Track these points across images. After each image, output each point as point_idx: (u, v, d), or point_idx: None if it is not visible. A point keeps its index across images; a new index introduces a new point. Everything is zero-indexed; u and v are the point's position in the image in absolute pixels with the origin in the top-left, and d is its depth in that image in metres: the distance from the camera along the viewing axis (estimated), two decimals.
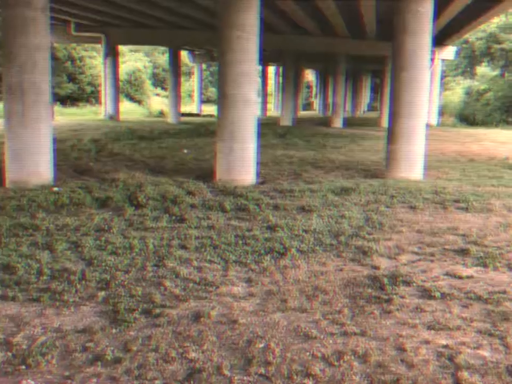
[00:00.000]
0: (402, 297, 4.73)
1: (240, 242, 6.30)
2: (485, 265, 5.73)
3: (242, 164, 10.76)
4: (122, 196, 8.64)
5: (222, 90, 10.83)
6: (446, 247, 6.44)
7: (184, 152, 15.16)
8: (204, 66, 57.05)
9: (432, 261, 5.87)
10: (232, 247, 6.07)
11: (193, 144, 17.08)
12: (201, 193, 9.18)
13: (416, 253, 6.16)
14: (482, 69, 42.97)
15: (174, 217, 7.54)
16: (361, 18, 23.69)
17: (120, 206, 8.10)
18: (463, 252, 6.21)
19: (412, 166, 11.80)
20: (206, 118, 32.42)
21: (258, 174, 11.35)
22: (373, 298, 4.69)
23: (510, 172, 12.97)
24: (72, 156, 13.44)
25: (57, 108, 29.38)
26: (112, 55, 26.33)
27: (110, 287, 4.77)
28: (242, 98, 10.62)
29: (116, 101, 26.93)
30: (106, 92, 26.48)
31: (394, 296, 4.73)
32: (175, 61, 27.69)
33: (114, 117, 26.57)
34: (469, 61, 46.35)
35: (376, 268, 5.55)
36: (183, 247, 6.11)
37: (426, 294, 4.85)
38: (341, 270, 5.48)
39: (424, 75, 11.83)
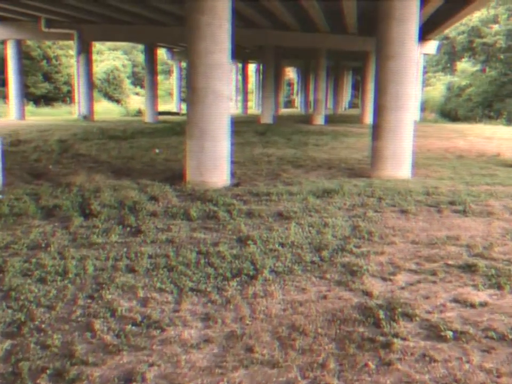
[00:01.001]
0: (404, 339, 3.57)
1: (202, 261, 5.09)
2: (500, 287, 4.59)
3: (215, 164, 9.55)
4: (72, 204, 7.40)
5: (191, 83, 9.61)
6: (449, 262, 5.29)
7: (156, 152, 13.91)
8: (183, 64, 55.74)
9: (434, 282, 4.72)
10: (191, 269, 4.87)
11: (167, 143, 15.82)
12: (166, 199, 7.97)
13: (415, 271, 5.00)
14: (463, 65, 42.11)
15: (128, 229, 6.32)
16: (342, 13, 22.58)
17: (68, 216, 6.86)
18: (470, 269, 5.07)
19: (399, 164, 10.69)
20: (185, 116, 31.20)
21: (233, 175, 10.18)
22: (366, 342, 3.51)
23: (503, 169, 11.92)
24: (32, 158, 12.13)
25: (30, 107, 27.92)
26: (85, 52, 24.92)
27: (21, 333, 3.55)
28: (213, 92, 9.41)
29: (90, 100, 25.53)
30: (79, 91, 25.06)
31: (394, 338, 3.55)
32: (151, 59, 26.35)
33: (88, 116, 25.18)
34: (449, 57, 45.53)
35: (368, 294, 4.38)
36: (131, 269, 4.89)
37: (434, 332, 3.69)
38: (325, 297, 4.31)
39: (412, 65, 10.70)
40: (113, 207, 7.33)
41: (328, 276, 4.78)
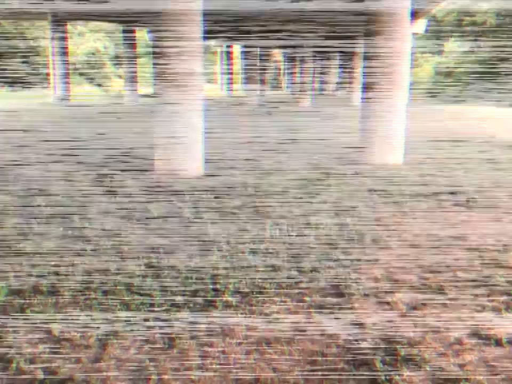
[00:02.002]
0: None
1: (149, 280, 3.97)
2: None
3: (187, 151, 8.43)
4: None
5: (159, 62, 8.43)
6: (458, 274, 4.22)
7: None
8: None
9: (444, 304, 3.64)
10: (136, 289, 3.76)
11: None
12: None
13: (417, 288, 3.93)
14: (451, 45, 40.94)
15: (70, 233, 5.19)
16: None
17: None
18: (486, 284, 4.01)
19: (391, 148, 9.61)
20: None
21: (207, 162, 9.05)
22: None
23: (501, 152, 10.87)
24: None
25: (5, 91, 26.49)
26: (60, 33, 23.46)
27: None
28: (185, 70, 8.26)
29: (66, 83, 24.12)
30: (55, 74, 23.64)
31: None
32: (130, 40, 24.94)
33: (65, 100, 23.78)
34: (437, 37, 44.32)
35: (360, 325, 3.30)
36: None
37: None
38: (303, 332, 3.22)
39: (405, 40, 9.57)
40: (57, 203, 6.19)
41: (307, 298, 3.68)
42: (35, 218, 5.62)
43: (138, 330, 3.18)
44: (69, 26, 43.04)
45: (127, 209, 6.05)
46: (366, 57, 9.71)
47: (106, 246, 4.75)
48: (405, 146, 9.71)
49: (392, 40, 9.38)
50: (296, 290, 3.79)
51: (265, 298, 3.65)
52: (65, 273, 4.09)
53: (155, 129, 8.54)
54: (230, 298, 3.60)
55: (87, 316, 3.34)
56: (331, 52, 47.18)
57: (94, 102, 27.78)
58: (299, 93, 27.67)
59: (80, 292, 3.76)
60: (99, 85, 37.71)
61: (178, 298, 3.58)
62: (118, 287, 3.79)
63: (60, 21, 23.28)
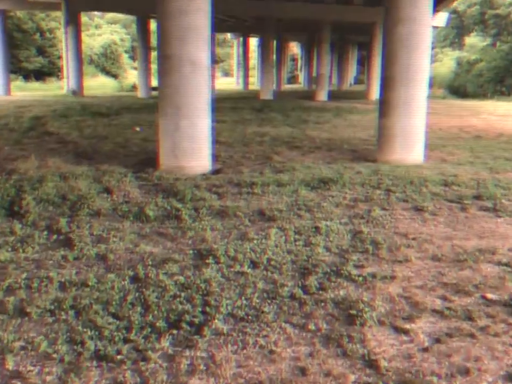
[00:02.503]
0: None
1: (131, 297, 3.45)
2: None
3: (192, 146, 7.88)
4: (1, 198, 5.76)
5: (162, 50, 7.90)
6: (488, 295, 3.64)
7: (136, 130, 12.24)
8: None
9: (472, 336, 3.07)
10: (109, 313, 3.23)
11: (151, 120, 14.09)
12: (122, 191, 6.32)
13: (441, 314, 3.35)
14: (472, 39, 39.90)
15: (55, 237, 4.68)
16: None
17: None
18: None
19: (411, 146, 8.97)
20: None
21: (215, 158, 8.53)
22: None
23: None
24: None
25: (19, 83, 26.19)
26: (73, 23, 23.05)
27: None
28: (189, 59, 7.71)
29: (79, 75, 23.71)
30: (68, 65, 23.24)
31: None
32: (143, 31, 24.43)
33: (77, 92, 23.41)
34: (457, 31, 43.27)
35: (373, 364, 2.74)
36: (21, 311, 3.25)
37: None
38: (304, 372, 2.66)
39: (426, 29, 8.91)
40: (50, 203, 5.69)
41: (311, 324, 3.13)
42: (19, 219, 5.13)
43: (107, 364, 2.65)
44: (86, 18, 42.82)
45: (121, 209, 5.53)
46: (384, 51, 9.08)
47: (90, 253, 4.23)
48: (425, 143, 9.08)
49: (412, 26, 8.75)
50: (299, 315, 3.24)
51: (262, 324, 3.10)
52: (38, 287, 3.57)
53: (160, 123, 8.03)
54: (220, 325, 3.05)
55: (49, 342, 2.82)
56: (350, 45, 46.38)
57: (108, 92, 27.40)
58: (316, 86, 27.01)
59: (50, 311, 3.24)
60: (114, 76, 37.34)
61: (160, 324, 3.05)
62: (94, 306, 3.27)
63: (73, 10, 22.83)
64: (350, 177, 7.23)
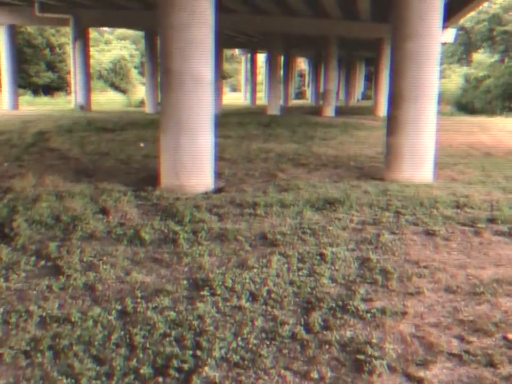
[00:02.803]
0: None
1: (116, 336, 3.10)
2: None
3: (194, 163, 7.58)
4: None
5: (164, 64, 7.63)
6: (509, 335, 3.27)
7: (140, 146, 11.96)
8: None
9: None
10: (96, 350, 2.89)
11: (156, 136, 13.83)
12: (119, 211, 6.00)
13: (459, 358, 2.98)
14: (479, 56, 39.53)
15: (42, 263, 4.36)
16: None
17: None
18: None
19: (419, 164, 8.62)
20: None
21: (219, 176, 8.23)
22: None
23: None
24: None
25: (28, 97, 26.09)
26: (82, 38, 22.94)
27: None
28: (191, 75, 7.43)
29: (87, 90, 23.55)
30: (76, 80, 23.10)
31: None
32: (151, 46, 24.29)
33: (85, 107, 23.24)
34: (465, 48, 42.97)
35: None
36: None
37: None
38: None
39: (435, 45, 8.60)
40: (43, 225, 5.37)
41: (315, 372, 2.77)
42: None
43: None
44: (96, 34, 42.93)
45: (116, 232, 5.21)
46: (392, 66, 8.77)
47: (77, 283, 3.90)
48: (435, 160, 8.73)
49: (421, 41, 8.45)
50: (301, 359, 2.88)
51: (259, 371, 2.75)
52: (16, 322, 3.24)
53: (161, 140, 7.73)
54: (212, 372, 2.70)
55: None
56: (357, 61, 46.18)
57: (116, 108, 27.25)
58: (322, 102, 26.75)
59: (25, 352, 2.91)
60: (123, 92, 37.26)
61: (145, 370, 2.70)
62: (74, 347, 2.93)
63: (81, 25, 22.73)
64: (357, 198, 6.87)
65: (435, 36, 8.52)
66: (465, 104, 32.08)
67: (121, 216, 5.85)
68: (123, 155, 10.43)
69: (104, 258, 4.49)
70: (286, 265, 4.34)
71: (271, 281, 3.96)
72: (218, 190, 7.55)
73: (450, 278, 4.23)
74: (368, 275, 4.18)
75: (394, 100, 8.70)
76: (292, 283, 3.95)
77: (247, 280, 3.97)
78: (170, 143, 7.59)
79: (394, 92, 8.71)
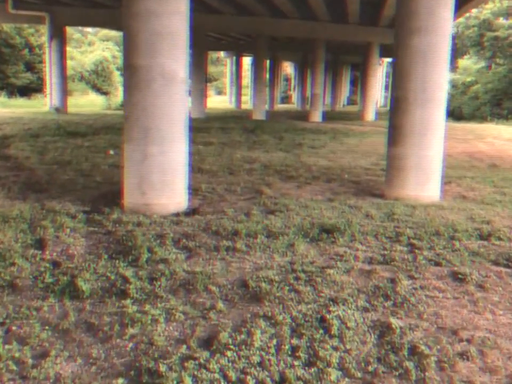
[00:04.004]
0: None
1: None
2: None
3: (163, 178, 6.18)
4: None
5: (128, 60, 6.22)
6: None
7: (110, 153, 10.52)
8: None
9: None
10: None
11: None
12: (61, 244, 4.59)
13: None
14: (464, 62, 38.59)
15: None
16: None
17: None
18: None
19: (426, 180, 7.32)
20: None
21: (193, 192, 6.87)
22: None
23: None
24: None
25: (2, 99, 24.47)
26: (58, 37, 21.38)
27: None
28: (161, 72, 6.06)
29: (63, 91, 22.00)
30: (51, 81, 21.53)
31: None
32: None
33: (61, 109, 21.68)
34: (451, 54, 41.84)
35: None
36: None
37: None
38: None
39: (446, 41, 7.30)
40: None
41: None
42: None
43: None
44: (79, 35, 41.28)
45: (45, 281, 3.79)
46: (395, 67, 7.45)
47: None
48: (442, 175, 7.44)
49: (429, 37, 7.17)
50: None
51: None
52: None
53: (124, 151, 6.33)
54: None
55: None
56: (343, 66, 45.04)
57: (95, 110, 25.70)
58: (309, 106, 25.48)
59: None
60: (105, 93, 35.63)
61: None
62: None
63: (57, 23, 21.18)
64: (360, 224, 5.52)
65: (446, 30, 7.23)
66: (452, 110, 31.04)
67: (60, 252, 4.44)
68: (87, 164, 8.98)
69: (14, 328, 3.07)
70: (274, 342, 2.95)
71: (252, 378, 2.57)
72: (192, 211, 6.16)
73: (509, 361, 2.88)
74: (393, 360, 2.82)
75: (398, 105, 7.38)
76: (283, 382, 2.56)
77: (216, 375, 2.58)
78: (136, 154, 6.19)
79: (398, 96, 7.39)
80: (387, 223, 5.69)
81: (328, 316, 3.25)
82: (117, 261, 4.19)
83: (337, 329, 3.10)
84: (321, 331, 3.07)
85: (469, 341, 3.10)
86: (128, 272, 3.94)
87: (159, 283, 3.79)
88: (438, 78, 7.23)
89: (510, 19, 28.67)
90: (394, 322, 3.24)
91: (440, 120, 7.36)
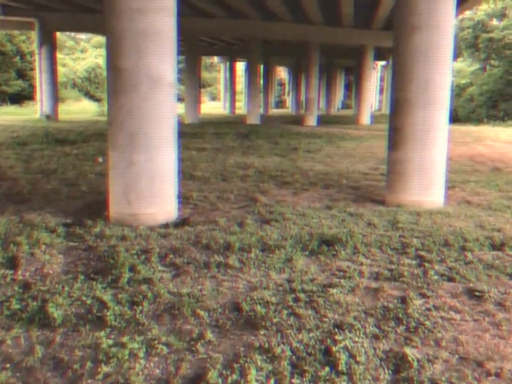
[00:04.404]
0: None
1: None
2: None
3: (151, 187, 5.74)
4: None
5: (112, 61, 5.78)
6: None
7: (99, 161, 10.06)
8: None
9: None
10: None
11: None
12: (35, 262, 4.13)
13: None
14: (458, 65, 38.29)
15: None
16: (338, 0, 18.75)
17: None
18: None
19: (429, 184, 6.90)
20: None
21: (183, 201, 6.44)
22: None
23: None
24: None
25: None
26: (48, 43, 20.92)
27: None
28: (149, 74, 5.62)
29: (54, 98, 21.52)
30: (41, 88, 21.05)
31: None
32: None
33: (52, 116, 21.20)
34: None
35: None
36: None
37: None
38: None
39: (448, 40, 6.89)
40: None
41: None
42: None
43: None
44: (72, 42, 40.83)
45: (11, 307, 3.33)
46: (395, 68, 7.04)
47: None
48: (446, 179, 7.03)
49: (431, 35, 6.77)
50: None
51: None
52: None
53: (109, 158, 5.88)
54: None
55: None
56: (337, 70, 44.71)
57: (87, 117, 25.22)
58: (304, 111, 25.09)
59: None
60: (98, 100, 35.13)
61: None
62: None
63: (47, 29, 20.72)
64: (362, 235, 5.08)
65: (448, 28, 6.82)
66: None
67: (34, 272, 3.98)
68: (73, 173, 8.52)
69: None
70: (272, 383, 2.50)
71: None
72: (182, 222, 5.71)
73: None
74: None
75: (399, 107, 6.95)
76: None
77: None
78: (121, 161, 5.75)
79: (399, 98, 6.97)
80: (391, 232, 5.25)
81: (334, 348, 2.80)
82: (95, 282, 3.73)
83: (345, 364, 2.65)
84: (327, 368, 2.61)
85: (498, 375, 2.66)
86: (107, 296, 3.48)
87: (140, 308, 3.34)
88: (441, 78, 6.81)
89: (504, 20, 28.37)
90: (410, 353, 2.80)
91: (443, 121, 6.95)
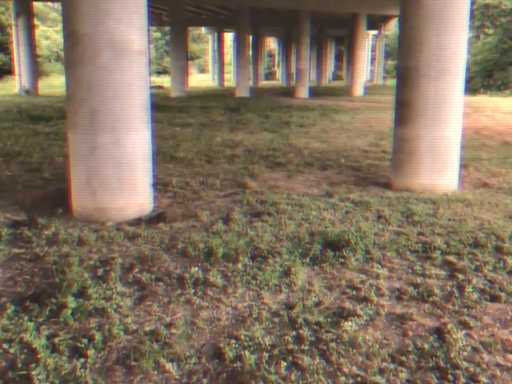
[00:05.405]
0: None
1: None
2: None
3: (119, 174, 4.75)
4: None
5: (69, 25, 4.70)
6: None
7: None
8: (158, 34, 50.10)
9: None
10: None
11: None
12: None
13: None
14: None
15: None
16: None
17: None
18: None
19: (443, 166, 5.93)
20: (154, 89, 25.77)
21: (161, 189, 5.46)
22: None
23: None
24: None
25: None
26: (25, 14, 19.51)
27: None
28: (111, 41, 4.57)
29: (34, 72, 20.20)
30: (20, 61, 19.71)
31: None
32: None
33: (31, 91, 19.92)
34: None
35: None
36: None
37: None
38: None
39: (464, 1, 5.85)
40: None
41: None
42: None
43: None
44: (55, 14, 38.95)
45: None
46: (402, 33, 5.98)
47: None
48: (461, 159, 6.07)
49: (447, 3, 5.72)
50: None
51: None
52: None
53: (69, 139, 4.86)
54: None
55: None
56: (328, 40, 43.29)
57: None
58: (295, 82, 23.92)
59: None
60: None
61: None
62: None
63: None
64: (373, 233, 4.12)
65: None
66: None
67: None
68: (39, 156, 7.46)
69: None
70: None
71: None
72: (157, 217, 4.73)
73: None
74: None
75: (407, 77, 5.92)
76: None
77: None
78: (83, 144, 4.73)
79: (406, 67, 5.94)
80: (408, 228, 4.30)
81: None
82: (29, 315, 2.75)
83: None
84: None
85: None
86: (40, 340, 2.51)
87: (83, 359, 2.37)
88: (455, 45, 5.77)
89: None
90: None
91: (458, 94, 5.94)
